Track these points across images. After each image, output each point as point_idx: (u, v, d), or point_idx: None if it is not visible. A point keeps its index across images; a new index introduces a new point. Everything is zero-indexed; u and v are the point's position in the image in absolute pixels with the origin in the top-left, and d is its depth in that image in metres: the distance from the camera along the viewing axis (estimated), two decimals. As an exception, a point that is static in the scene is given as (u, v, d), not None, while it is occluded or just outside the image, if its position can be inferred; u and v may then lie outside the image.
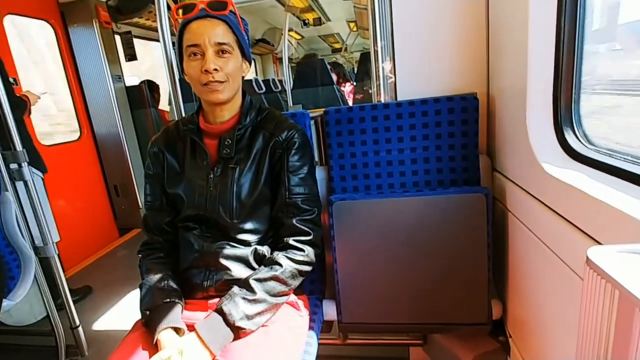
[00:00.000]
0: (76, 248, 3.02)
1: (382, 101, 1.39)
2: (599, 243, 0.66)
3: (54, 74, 3.28)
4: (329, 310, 1.28)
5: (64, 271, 1.78)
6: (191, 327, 0.90)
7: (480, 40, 1.26)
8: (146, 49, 4.62)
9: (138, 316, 1.00)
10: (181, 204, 1.05)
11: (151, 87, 3.85)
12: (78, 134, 3.33)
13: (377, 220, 1.16)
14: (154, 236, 1.09)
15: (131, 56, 3.67)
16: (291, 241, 1.00)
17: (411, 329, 1.37)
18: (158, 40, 1.42)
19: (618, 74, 0.94)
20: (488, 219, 1.10)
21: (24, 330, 2.07)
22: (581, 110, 0.89)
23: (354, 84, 4.57)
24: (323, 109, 1.31)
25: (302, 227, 1.02)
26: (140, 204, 3.57)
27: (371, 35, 1.39)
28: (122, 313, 2.26)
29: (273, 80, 5.06)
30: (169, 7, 1.37)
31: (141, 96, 3.68)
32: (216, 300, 0.97)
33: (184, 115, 1.43)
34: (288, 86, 3.70)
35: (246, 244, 1.02)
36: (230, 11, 0.97)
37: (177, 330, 0.90)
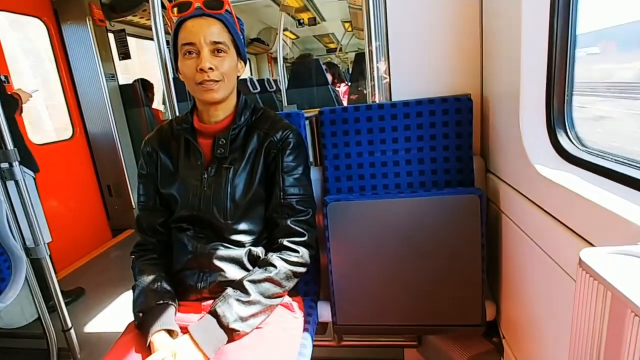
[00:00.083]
0: (68, 249, 2.98)
1: (377, 102, 1.39)
2: (592, 244, 0.67)
3: (45, 71, 3.24)
4: (324, 312, 1.28)
5: (55, 272, 1.75)
6: (185, 329, 0.89)
7: (474, 42, 1.27)
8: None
9: (131, 318, 0.99)
10: (175, 204, 1.05)
11: (145, 86, 3.82)
12: (70, 132, 3.30)
13: (372, 221, 1.16)
14: (147, 237, 1.08)
15: (125, 55, 3.64)
16: (285, 242, 1.00)
17: (406, 331, 1.37)
18: (152, 39, 1.41)
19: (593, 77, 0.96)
20: (482, 220, 1.10)
21: (15, 332, 2.04)
22: (573, 112, 0.89)
23: (349, 84, 4.57)
24: (318, 109, 1.31)
25: (297, 228, 1.01)
26: (133, 204, 3.54)
27: (366, 36, 1.39)
28: (114, 315, 2.24)
29: (268, 79, 5.05)
30: (163, 6, 1.36)
31: (135, 95, 3.65)
32: (210, 302, 0.97)
33: (178, 114, 1.43)
34: (283, 86, 3.69)
35: (240, 245, 1.01)
36: (226, 10, 0.96)
37: (170, 332, 0.90)
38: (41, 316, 1.74)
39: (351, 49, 8.14)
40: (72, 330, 1.78)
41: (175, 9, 0.96)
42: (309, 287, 1.30)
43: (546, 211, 0.84)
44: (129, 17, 3.82)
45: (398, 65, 1.34)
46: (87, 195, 3.39)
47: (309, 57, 6.69)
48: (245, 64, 1.05)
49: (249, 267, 1.00)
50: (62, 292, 1.77)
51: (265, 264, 0.97)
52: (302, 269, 1.01)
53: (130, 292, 1.01)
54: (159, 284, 0.98)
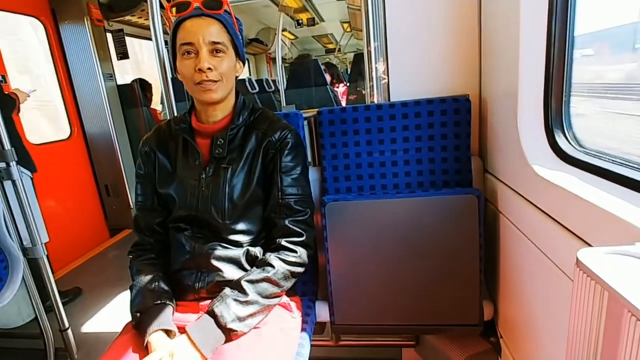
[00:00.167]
0: (66, 249, 2.97)
1: (376, 102, 1.39)
2: (589, 244, 0.67)
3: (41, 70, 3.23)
4: (322, 312, 1.28)
5: (53, 272, 1.75)
6: (182, 329, 0.89)
7: (473, 42, 1.27)
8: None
9: (128, 318, 0.99)
10: (172, 204, 1.04)
11: (143, 85, 3.81)
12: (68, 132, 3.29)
13: (370, 221, 1.16)
14: (144, 237, 1.08)
15: (123, 54, 3.63)
16: (283, 242, 1.00)
17: (403, 330, 1.37)
18: (150, 39, 1.40)
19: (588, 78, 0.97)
20: (480, 220, 1.10)
21: (12, 333, 2.03)
22: (571, 112, 0.90)
23: (348, 84, 4.58)
24: (316, 110, 1.31)
25: (295, 228, 1.01)
26: (131, 204, 3.53)
27: (365, 36, 1.39)
28: (112, 315, 2.23)
29: (266, 80, 5.05)
30: (161, 5, 1.36)
31: (133, 95, 3.64)
32: (208, 302, 0.96)
33: (176, 114, 1.42)
34: (281, 86, 3.69)
35: (238, 245, 1.01)
36: (225, 10, 0.96)
37: (167, 332, 0.89)
38: (38, 316, 1.73)
39: (350, 49, 8.15)
40: (69, 330, 1.77)
41: (173, 9, 0.96)
42: (307, 287, 1.30)
43: (544, 211, 0.84)
44: (127, 17, 3.82)
45: (397, 66, 1.34)
46: (85, 195, 3.38)
47: (307, 57, 6.69)
48: (243, 64, 1.05)
49: (247, 267, 1.00)
50: (59, 292, 1.76)
51: (263, 264, 0.97)
52: (300, 269, 1.01)
53: (128, 292, 1.01)
54: (156, 283, 0.98)
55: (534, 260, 0.89)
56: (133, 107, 3.64)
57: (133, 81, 3.74)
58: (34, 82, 3.23)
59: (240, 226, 1.01)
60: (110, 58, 3.52)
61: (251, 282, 0.94)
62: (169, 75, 1.41)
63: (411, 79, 1.34)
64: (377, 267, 1.18)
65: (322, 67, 3.98)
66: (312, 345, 1.12)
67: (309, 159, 1.40)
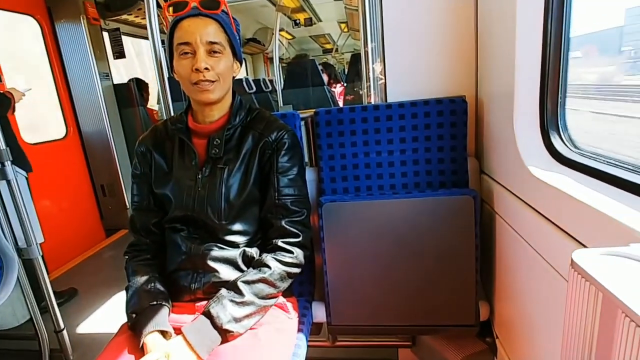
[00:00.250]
0: (61, 249, 2.96)
1: (373, 102, 1.39)
2: (584, 245, 0.67)
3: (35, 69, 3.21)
4: (318, 312, 1.28)
5: (48, 273, 1.74)
6: (178, 330, 0.89)
7: (469, 44, 1.27)
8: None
9: (124, 319, 0.98)
10: (169, 205, 1.04)
11: (140, 85, 3.80)
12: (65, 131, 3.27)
13: (367, 221, 1.16)
14: (140, 237, 1.08)
15: (119, 54, 3.62)
16: (280, 243, 1.00)
17: (400, 331, 1.38)
18: (147, 38, 1.40)
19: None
20: (476, 221, 1.11)
21: (6, 334, 2.01)
22: (567, 114, 0.90)
23: (345, 85, 4.58)
24: (313, 110, 1.31)
25: (291, 228, 1.01)
26: (127, 204, 3.52)
27: (362, 37, 1.39)
28: (107, 316, 2.22)
29: (264, 80, 5.04)
30: (158, 5, 1.35)
31: (129, 94, 3.63)
32: (204, 302, 0.96)
33: (172, 114, 1.42)
34: (278, 86, 3.69)
35: (234, 245, 1.01)
36: (223, 10, 0.96)
37: (163, 333, 0.89)
38: (33, 317, 1.72)
39: (347, 49, 8.16)
40: (64, 332, 1.76)
41: (171, 9, 0.96)
42: (303, 288, 1.30)
43: (539, 212, 0.85)
44: (124, 16, 3.80)
45: (393, 67, 1.34)
46: (81, 195, 3.36)
47: (305, 57, 6.69)
48: (241, 64, 1.05)
49: (243, 267, 1.00)
50: (54, 292, 1.75)
51: (259, 264, 0.97)
52: (296, 270, 1.01)
53: (124, 292, 1.01)
54: (152, 284, 0.98)
55: (529, 261, 0.89)
56: (129, 107, 3.63)
57: (129, 80, 3.73)
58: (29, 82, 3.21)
59: (237, 227, 1.01)
60: (107, 57, 3.50)
61: (247, 282, 0.93)
62: (166, 75, 1.40)
63: (408, 80, 1.35)
64: (374, 267, 1.18)
65: (320, 67, 3.98)
66: (308, 346, 1.12)
67: (306, 159, 1.40)
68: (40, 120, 3.32)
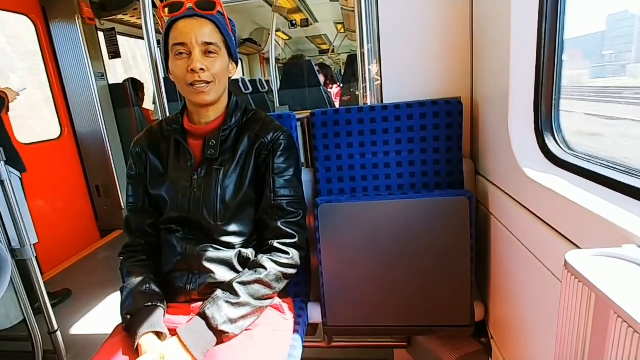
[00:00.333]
0: (55, 250, 2.94)
1: (369, 103, 1.39)
2: (578, 246, 0.68)
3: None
4: (314, 313, 1.28)
5: (42, 274, 1.72)
6: (173, 332, 0.88)
7: (465, 46, 1.28)
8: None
9: (118, 320, 0.98)
10: (164, 206, 1.04)
11: (135, 85, 3.78)
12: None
13: (363, 222, 1.16)
14: (136, 238, 1.07)
15: (115, 54, 3.60)
16: (276, 244, 0.99)
17: (395, 331, 1.38)
18: (142, 38, 1.39)
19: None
20: (471, 221, 1.11)
21: (0, 335, 2.00)
22: (561, 116, 0.91)
23: (341, 85, 4.58)
24: (310, 111, 1.31)
25: (287, 229, 1.01)
26: (122, 205, 3.50)
27: (358, 38, 1.39)
28: (102, 317, 2.21)
29: (260, 80, 5.03)
30: (154, 5, 1.35)
31: (125, 94, 3.61)
32: (199, 303, 0.96)
33: (168, 114, 1.42)
34: (275, 87, 3.68)
35: (230, 246, 1.01)
36: (218, 11, 0.96)
37: (158, 334, 0.89)
38: (26, 318, 1.71)
39: (343, 50, 8.17)
40: (58, 333, 1.75)
41: (166, 9, 0.96)
42: (299, 289, 1.30)
43: (534, 213, 0.85)
44: (120, 16, 3.78)
45: (390, 68, 1.35)
46: (75, 195, 3.34)
47: (301, 58, 6.69)
48: (237, 65, 1.05)
49: (239, 268, 1.00)
50: (48, 293, 1.74)
51: (255, 265, 0.97)
52: (292, 271, 1.01)
53: (118, 293, 1.00)
54: (147, 285, 0.97)
55: (524, 261, 0.90)
56: (125, 107, 3.61)
57: (125, 81, 3.71)
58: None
59: (232, 228, 1.01)
60: (102, 57, 3.48)
61: (243, 283, 0.93)
62: (162, 75, 1.40)
63: (404, 81, 1.35)
64: (370, 268, 1.19)
65: (316, 68, 3.98)
66: (304, 347, 1.12)
67: (302, 160, 1.40)
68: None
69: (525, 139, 0.96)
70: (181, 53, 0.93)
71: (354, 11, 1.41)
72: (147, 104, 4.12)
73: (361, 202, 1.16)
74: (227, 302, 0.90)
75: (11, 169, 1.69)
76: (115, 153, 3.47)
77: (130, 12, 3.73)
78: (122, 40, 3.59)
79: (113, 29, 3.60)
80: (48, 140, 3.15)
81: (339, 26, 7.02)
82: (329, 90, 4.35)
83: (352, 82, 3.85)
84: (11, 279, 1.61)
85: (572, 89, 0.94)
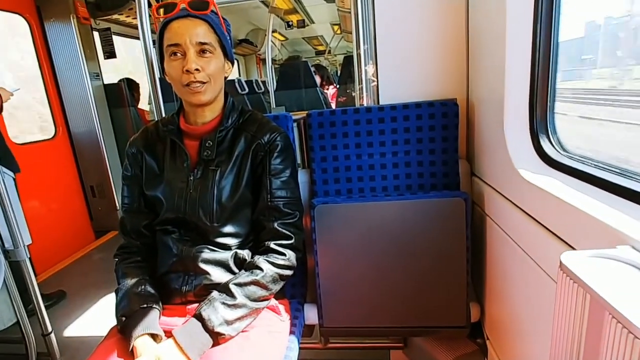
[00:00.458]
0: (49, 251, 2.91)
1: (365, 104, 1.39)
2: (573, 248, 0.68)
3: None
4: (310, 315, 1.28)
5: (35, 275, 1.71)
6: (169, 333, 0.88)
7: (461, 48, 1.29)
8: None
9: (113, 322, 0.97)
10: (160, 207, 1.03)
11: (131, 85, 3.76)
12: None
13: (359, 223, 1.16)
14: (131, 239, 1.06)
15: (110, 54, 3.58)
16: (272, 245, 0.99)
17: (392, 333, 1.38)
18: (138, 38, 1.39)
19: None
20: (467, 223, 1.11)
21: (-8, 337, 1.98)
22: (556, 118, 0.92)
23: (337, 86, 4.59)
24: (306, 112, 1.31)
25: (284, 230, 1.01)
26: (117, 206, 3.47)
27: (354, 39, 1.40)
28: (96, 319, 2.19)
29: (256, 81, 5.03)
30: (149, 4, 1.34)
31: (120, 95, 3.59)
32: (195, 305, 0.95)
33: (164, 115, 1.41)
34: (271, 87, 3.68)
35: (226, 247, 1.00)
36: (212, 11, 0.96)
37: (154, 336, 0.88)
38: (20, 320, 1.69)
39: (340, 51, 8.18)
40: (52, 335, 1.73)
41: (160, 10, 0.96)
42: (295, 290, 1.30)
43: (529, 215, 0.86)
44: (115, 16, 3.77)
45: (386, 69, 1.35)
46: (70, 196, 3.31)
47: (297, 59, 6.70)
48: (232, 64, 1.05)
49: (235, 270, 1.00)
50: (42, 295, 1.72)
51: (251, 266, 0.96)
52: (288, 272, 1.01)
53: (113, 295, 1.00)
54: (142, 287, 0.97)
55: (519, 262, 0.90)
56: (120, 107, 3.59)
57: (120, 81, 3.69)
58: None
59: (229, 229, 1.01)
60: (97, 57, 3.46)
61: (239, 285, 0.93)
62: (157, 75, 1.39)
63: (400, 82, 1.35)
64: (366, 269, 1.19)
65: (312, 68, 3.98)
66: (300, 348, 1.12)
67: (299, 161, 1.40)
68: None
69: (520, 140, 0.96)
70: (176, 54, 0.93)
71: (350, 12, 1.41)
72: (143, 104, 4.10)
73: (357, 203, 1.17)
74: (224, 303, 0.90)
75: (4, 170, 1.68)
76: (110, 153, 3.45)
77: (126, 12, 3.72)
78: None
79: (108, 28, 3.58)
80: (42, 141, 3.13)
81: (336, 27, 7.04)
82: (326, 91, 4.36)
83: (349, 83, 3.86)
84: (4, 280, 1.60)
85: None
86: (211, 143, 1.01)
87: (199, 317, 0.88)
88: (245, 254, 1.02)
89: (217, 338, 0.88)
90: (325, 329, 1.26)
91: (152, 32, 1.34)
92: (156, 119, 1.19)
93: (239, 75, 7.65)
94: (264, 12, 5.12)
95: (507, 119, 0.97)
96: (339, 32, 7.14)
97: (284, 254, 0.99)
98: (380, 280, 1.19)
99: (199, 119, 1.02)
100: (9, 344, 1.88)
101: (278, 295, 1.08)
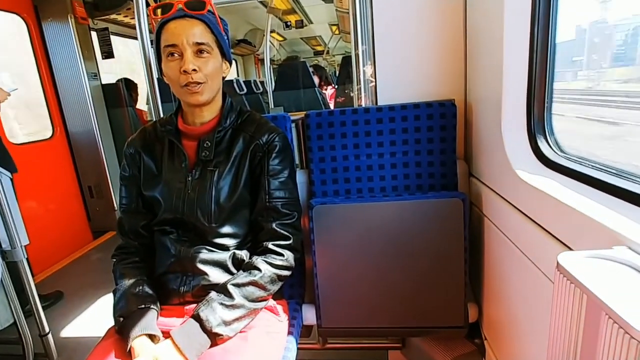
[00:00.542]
0: (47, 251, 2.90)
1: (363, 105, 1.40)
2: (570, 248, 0.69)
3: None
4: (309, 315, 1.28)
5: (33, 276, 1.70)
6: (167, 334, 0.88)
7: (459, 49, 1.29)
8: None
9: (111, 322, 0.97)
10: (158, 207, 1.03)
11: (129, 85, 3.75)
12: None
13: (357, 224, 1.16)
14: (129, 240, 1.06)
15: (108, 54, 3.57)
16: (270, 245, 0.99)
17: (390, 333, 1.38)
18: (136, 38, 1.39)
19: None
20: (465, 223, 1.12)
21: (-11, 338, 1.97)
22: (553, 119, 0.92)
23: (336, 87, 4.59)
24: (304, 112, 1.31)
25: (282, 231, 1.01)
26: (115, 206, 3.47)
27: (352, 40, 1.40)
28: (94, 319, 2.18)
29: (254, 81, 5.03)
30: (147, 4, 1.34)
31: (118, 95, 3.58)
32: (193, 306, 0.95)
33: (162, 115, 1.41)
34: (269, 88, 3.68)
35: (224, 248, 1.00)
36: (209, 11, 0.96)
37: (152, 337, 0.88)
38: (17, 321, 1.69)
39: (338, 52, 8.19)
40: (49, 335, 1.73)
41: (158, 11, 0.96)
42: (293, 290, 1.30)
43: (527, 215, 0.86)
44: (113, 16, 3.76)
45: (384, 70, 1.35)
46: (67, 196, 3.30)
47: (296, 59, 6.70)
48: (230, 64, 1.05)
49: (233, 270, 0.99)
50: (39, 295, 1.72)
51: (249, 267, 0.96)
52: (287, 273, 1.01)
53: (111, 295, 0.99)
54: (140, 287, 0.96)
55: (517, 263, 0.91)
56: (118, 107, 3.58)
57: (118, 81, 3.69)
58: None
59: (227, 229, 1.00)
60: (95, 57, 3.45)
61: (237, 285, 0.93)
62: (155, 76, 1.39)
63: (398, 83, 1.36)
64: (364, 269, 1.19)
65: (311, 69, 3.98)
66: (298, 349, 1.12)
67: (297, 161, 1.40)
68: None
69: (518, 141, 0.96)
70: (173, 54, 0.93)
71: (348, 13, 1.41)
72: (141, 105, 4.09)
73: (355, 203, 1.17)
74: (222, 304, 0.90)
75: (1, 170, 1.67)
76: (108, 153, 3.44)
77: (124, 11, 3.71)
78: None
79: (106, 28, 3.57)
80: (40, 141, 3.12)
81: (334, 28, 7.04)
82: (324, 91, 4.36)
83: (347, 84, 3.86)
84: (1, 281, 1.59)
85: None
86: (209, 143, 1.01)
87: (197, 317, 0.88)
88: (244, 254, 1.02)
89: (215, 339, 0.88)
90: (323, 330, 1.26)
91: (150, 32, 1.34)
92: (154, 120, 1.19)
93: (238, 76, 7.65)
94: (262, 12, 5.11)
95: (504, 120, 0.97)
96: (337, 32, 7.14)
97: (282, 255, 0.99)
98: (378, 281, 1.19)
99: (197, 119, 1.02)
100: (6, 345, 1.87)
101: (276, 296, 1.08)
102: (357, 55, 1.39)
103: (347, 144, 1.27)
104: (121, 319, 0.91)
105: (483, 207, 1.15)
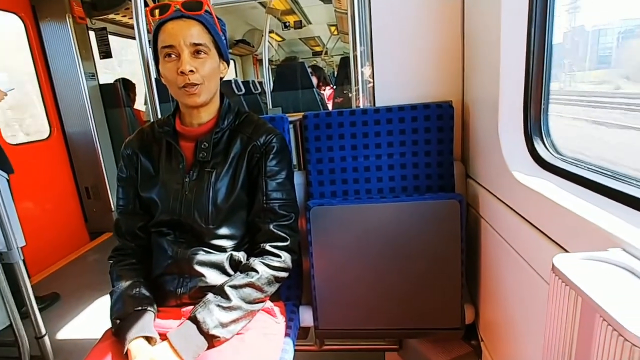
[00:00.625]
0: (43, 253, 2.89)
1: (361, 106, 1.40)
2: (565, 250, 0.69)
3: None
4: (306, 317, 1.28)
5: (29, 277, 1.70)
6: (164, 336, 0.87)
7: (456, 50, 1.29)
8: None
9: (108, 324, 0.96)
10: (155, 209, 1.03)
11: (126, 85, 3.75)
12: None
13: (354, 225, 1.17)
14: (125, 241, 1.06)
15: (106, 54, 3.56)
16: (268, 247, 0.99)
17: (387, 335, 1.38)
18: (134, 38, 1.38)
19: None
20: (462, 224, 1.12)
21: (-15, 339, 1.96)
22: (550, 120, 0.92)
23: (334, 87, 4.59)
24: (302, 113, 1.31)
25: (279, 232, 1.01)
26: (112, 207, 3.45)
27: (351, 41, 1.40)
28: (91, 321, 2.18)
29: (253, 81, 5.02)
30: (146, 4, 1.34)
31: (116, 95, 3.57)
32: (190, 307, 0.95)
33: (160, 116, 1.41)
34: (268, 88, 3.68)
35: (222, 249, 1.00)
36: (206, 11, 0.96)
37: (148, 339, 0.88)
38: (13, 323, 1.68)
39: (337, 52, 8.19)
40: (45, 337, 1.72)
41: (155, 11, 0.96)
42: (291, 292, 1.30)
43: (523, 217, 0.86)
44: (111, 16, 3.75)
45: (382, 71, 1.35)
46: (64, 197, 3.29)
47: (294, 59, 6.70)
48: (228, 65, 1.05)
49: (231, 272, 0.99)
50: (36, 297, 1.71)
51: (247, 269, 0.96)
52: (284, 274, 1.00)
53: (108, 297, 0.99)
54: (137, 289, 0.96)
55: (513, 264, 0.91)
56: (115, 108, 3.57)
57: (116, 81, 3.68)
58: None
59: (224, 231, 1.00)
60: (93, 57, 3.44)
61: (234, 287, 0.93)
62: (153, 76, 1.39)
63: (396, 84, 1.36)
64: (361, 271, 1.19)
65: (309, 69, 3.98)
66: (295, 351, 1.12)
67: (294, 162, 1.40)
68: None
69: (514, 142, 0.97)
70: (170, 55, 0.93)
71: (347, 13, 1.42)
72: (139, 105, 4.09)
73: (353, 205, 1.17)
74: (219, 306, 0.90)
75: (-2, 171, 1.66)
76: (106, 154, 3.43)
77: (122, 11, 3.70)
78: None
79: (104, 28, 3.56)
80: (36, 141, 3.10)
81: (332, 28, 7.04)
82: (322, 92, 4.36)
83: (345, 84, 3.86)
84: (-3, 282, 1.59)
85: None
86: (207, 145, 1.01)
87: (193, 319, 0.88)
88: (241, 256, 1.01)
89: (212, 340, 0.88)
90: (320, 331, 1.26)
91: (148, 32, 1.34)
92: (152, 120, 1.19)
93: (236, 76, 7.65)
94: (261, 12, 5.12)
95: (501, 122, 0.98)
96: (335, 33, 7.15)
97: (279, 256, 0.99)
98: (375, 282, 1.19)
99: (195, 120, 1.02)
100: (2, 347, 1.85)
101: (273, 298, 1.08)
102: (355, 56, 1.39)
103: (345, 145, 1.27)
104: (118, 321, 0.91)
105: (480, 209, 1.15)
